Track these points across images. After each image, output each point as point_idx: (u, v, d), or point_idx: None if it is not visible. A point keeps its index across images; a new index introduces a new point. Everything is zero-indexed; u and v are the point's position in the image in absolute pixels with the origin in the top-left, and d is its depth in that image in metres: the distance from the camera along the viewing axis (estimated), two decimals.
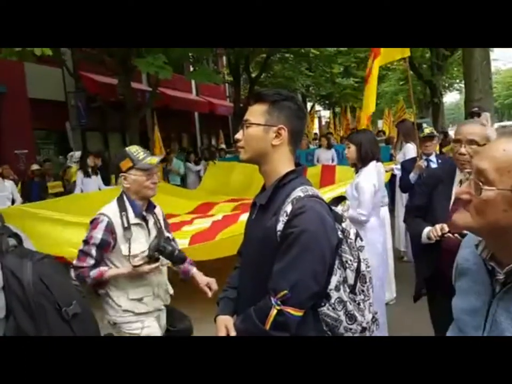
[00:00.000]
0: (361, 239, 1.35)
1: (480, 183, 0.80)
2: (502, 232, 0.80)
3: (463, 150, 1.90)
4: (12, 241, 0.98)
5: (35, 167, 6.36)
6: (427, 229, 1.92)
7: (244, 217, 3.46)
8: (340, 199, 1.46)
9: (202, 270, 5.09)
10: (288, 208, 1.21)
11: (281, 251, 1.20)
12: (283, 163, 1.30)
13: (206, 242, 3.47)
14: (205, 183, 6.43)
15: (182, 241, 3.54)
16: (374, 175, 2.80)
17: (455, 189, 1.93)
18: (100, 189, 5.75)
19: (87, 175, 5.71)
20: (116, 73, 8.34)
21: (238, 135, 1.33)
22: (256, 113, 1.29)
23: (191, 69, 8.49)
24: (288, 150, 1.31)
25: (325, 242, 1.20)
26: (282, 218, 1.21)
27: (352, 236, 1.30)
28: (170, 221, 4.13)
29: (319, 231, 1.19)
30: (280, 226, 1.21)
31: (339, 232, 1.28)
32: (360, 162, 2.85)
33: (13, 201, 5.21)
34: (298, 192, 1.23)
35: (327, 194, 3.70)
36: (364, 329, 1.28)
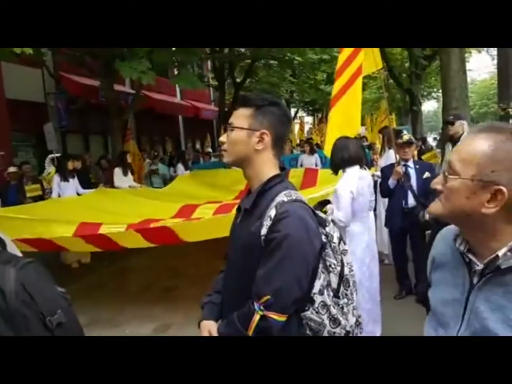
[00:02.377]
0: (345, 243, 1.36)
1: (447, 173, 0.89)
2: (470, 219, 0.88)
3: None
4: None
5: (12, 169, 6.14)
6: None
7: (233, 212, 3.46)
8: (324, 203, 1.47)
9: (188, 275, 5.07)
10: (272, 212, 1.21)
11: (265, 256, 1.20)
12: (267, 167, 1.30)
13: (197, 221, 3.50)
14: (176, 187, 6.31)
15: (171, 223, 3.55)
16: (352, 181, 2.81)
17: None
18: (78, 193, 5.63)
19: (64, 178, 5.58)
20: (99, 75, 8.23)
21: (222, 138, 1.33)
22: (241, 117, 1.30)
23: (176, 72, 8.43)
24: (271, 154, 1.31)
25: (308, 247, 1.20)
26: (266, 223, 1.21)
27: (335, 240, 1.31)
28: (153, 225, 4.10)
29: (302, 236, 1.19)
30: (264, 230, 1.21)
31: (323, 236, 1.28)
32: (333, 168, 2.91)
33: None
34: (282, 197, 1.23)
35: (307, 196, 3.74)
36: (347, 332, 1.29)
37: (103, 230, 3.49)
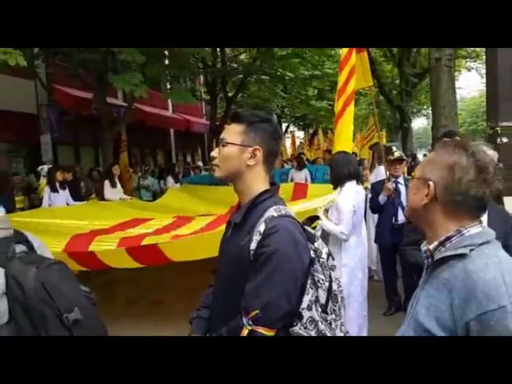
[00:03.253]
0: (333, 259, 1.38)
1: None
2: (419, 215, 1.03)
3: None
4: (21, 248, 1.00)
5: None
6: None
7: (222, 227, 3.45)
8: (313, 219, 1.49)
9: (177, 288, 5.00)
10: (262, 227, 1.23)
11: (254, 270, 1.21)
12: (257, 182, 1.32)
13: (189, 236, 3.48)
14: (167, 200, 6.30)
15: (163, 238, 3.54)
16: (352, 195, 2.89)
17: None
18: (67, 204, 5.59)
19: (54, 190, 5.55)
20: (91, 87, 8.25)
21: (214, 153, 1.35)
22: (233, 133, 1.32)
23: (168, 85, 8.51)
24: (262, 170, 1.34)
25: (297, 262, 1.22)
26: (256, 238, 1.22)
27: (324, 255, 1.33)
28: (142, 229, 4.06)
29: (291, 251, 1.20)
30: (253, 245, 1.22)
31: (311, 252, 1.30)
32: (333, 183, 2.96)
33: None
34: (272, 212, 1.25)
35: (297, 206, 3.78)
36: None
37: (93, 247, 3.44)
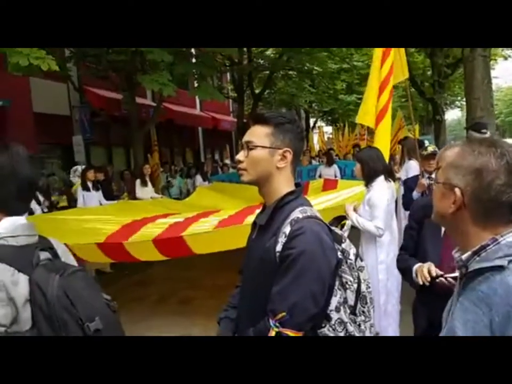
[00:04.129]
0: (361, 259, 1.34)
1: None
2: (447, 222, 0.96)
3: None
4: (45, 255, 1.01)
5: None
6: (416, 266, 1.69)
7: (250, 217, 3.47)
8: (341, 218, 1.46)
9: (206, 286, 5.07)
10: (287, 229, 1.21)
11: (280, 272, 1.20)
12: (284, 184, 1.31)
13: (232, 226, 3.47)
14: (197, 198, 6.38)
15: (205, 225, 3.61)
16: (385, 190, 2.84)
17: None
18: (101, 204, 5.76)
19: (86, 189, 5.73)
20: (121, 88, 8.45)
21: (240, 157, 1.32)
22: (260, 135, 1.29)
23: (195, 84, 8.62)
24: (290, 171, 1.32)
25: (324, 263, 1.19)
26: (281, 239, 1.21)
27: (352, 257, 1.30)
28: (171, 220, 4.12)
29: (317, 252, 1.18)
30: (279, 247, 1.21)
31: (338, 253, 1.27)
32: (365, 179, 2.91)
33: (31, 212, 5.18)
34: (297, 213, 1.23)
35: (324, 197, 3.73)
36: None
37: (130, 240, 3.57)
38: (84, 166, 7.37)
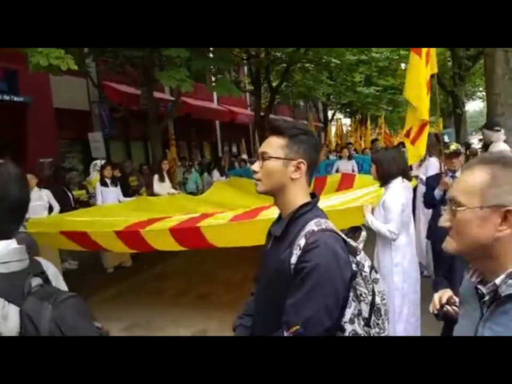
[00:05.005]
0: (376, 272, 1.34)
1: (454, 207, 0.91)
2: (481, 249, 0.88)
3: None
4: (36, 281, 0.94)
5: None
6: (437, 294, 1.58)
7: (265, 212, 3.51)
8: (355, 230, 1.46)
9: (223, 281, 5.11)
10: (302, 241, 1.22)
11: (294, 285, 1.21)
12: (299, 195, 1.31)
13: (239, 221, 3.52)
14: (214, 193, 6.42)
15: (211, 222, 3.65)
16: (400, 193, 2.81)
17: None
18: (119, 201, 5.86)
19: (105, 185, 5.82)
20: (139, 84, 8.52)
21: (255, 167, 1.33)
22: (275, 146, 1.30)
23: (213, 78, 8.60)
24: (305, 181, 1.33)
25: (338, 277, 1.20)
26: (296, 252, 1.22)
27: (366, 269, 1.29)
28: (187, 216, 4.19)
29: (332, 266, 1.18)
30: (293, 259, 1.22)
31: (353, 265, 1.27)
32: (380, 181, 2.87)
33: (50, 209, 5.31)
34: (312, 226, 1.24)
35: (338, 197, 3.72)
36: None
37: (145, 229, 3.65)
38: (103, 161, 7.52)
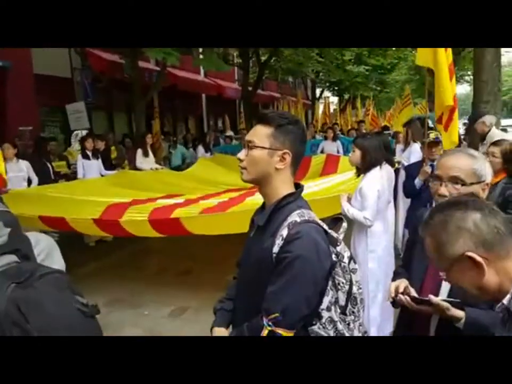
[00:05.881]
0: (355, 262, 1.38)
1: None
2: (483, 287, 0.92)
3: (443, 190, 1.46)
4: (8, 259, 0.89)
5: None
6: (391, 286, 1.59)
7: (250, 198, 3.53)
8: (337, 220, 1.49)
9: (204, 259, 5.13)
10: (284, 232, 1.24)
11: (275, 274, 1.23)
12: (283, 185, 1.33)
13: (217, 213, 3.53)
14: (198, 170, 6.38)
15: (192, 213, 3.64)
16: (377, 180, 2.84)
17: None
18: (101, 174, 5.76)
19: (86, 158, 5.69)
20: (123, 52, 8.24)
21: (241, 155, 1.34)
22: (261, 135, 1.30)
23: (200, 50, 8.37)
24: (289, 172, 1.34)
25: (318, 268, 1.23)
26: (278, 242, 1.24)
27: (345, 260, 1.33)
28: (171, 201, 4.18)
29: (312, 257, 1.22)
30: (276, 249, 1.24)
31: (333, 256, 1.30)
32: (363, 168, 2.89)
33: (29, 181, 5.18)
34: (295, 217, 1.25)
35: (322, 180, 3.76)
36: None
37: (125, 218, 3.60)
38: (85, 132, 7.33)
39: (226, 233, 3.30)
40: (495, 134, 4.35)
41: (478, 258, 0.89)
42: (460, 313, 1.36)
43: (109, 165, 6.10)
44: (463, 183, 1.44)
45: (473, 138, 5.17)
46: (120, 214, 3.68)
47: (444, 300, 1.38)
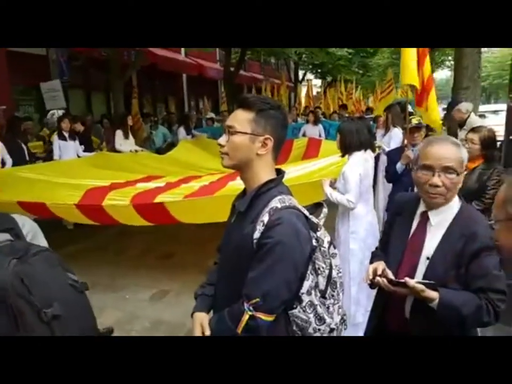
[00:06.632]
0: (334, 247, 1.39)
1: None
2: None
3: (437, 180, 1.48)
4: (3, 237, 0.94)
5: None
6: (371, 265, 1.62)
7: (232, 183, 3.49)
8: (318, 205, 1.50)
9: (187, 241, 5.07)
10: (265, 218, 1.24)
11: (256, 259, 1.24)
12: (264, 171, 1.32)
13: (195, 198, 3.48)
14: (179, 153, 6.27)
15: (175, 197, 3.58)
16: (359, 164, 2.88)
17: (415, 224, 1.60)
18: (78, 156, 5.61)
19: (63, 138, 5.52)
20: None
21: (221, 141, 1.32)
22: (242, 120, 1.28)
23: None
24: (271, 158, 1.33)
25: (298, 253, 1.24)
26: (259, 228, 1.24)
27: (325, 244, 1.34)
28: (153, 183, 4.11)
29: (293, 243, 1.22)
30: (256, 234, 1.24)
31: (313, 241, 1.31)
32: (342, 152, 2.93)
33: (3, 163, 4.99)
34: (276, 203, 1.25)
35: (305, 165, 3.77)
36: (332, 330, 1.35)
37: (106, 202, 3.52)
38: (61, 112, 7.10)
39: (214, 221, 3.28)
40: (475, 120, 4.43)
41: None
42: (434, 295, 1.41)
43: (89, 147, 5.94)
44: (456, 173, 1.48)
45: (452, 124, 5.26)
46: (100, 198, 3.60)
47: (419, 282, 1.43)
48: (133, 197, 3.57)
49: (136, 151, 6.13)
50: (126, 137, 6.34)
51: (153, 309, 3.62)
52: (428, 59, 3.49)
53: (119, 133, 6.33)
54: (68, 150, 5.50)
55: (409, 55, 3.38)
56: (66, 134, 5.53)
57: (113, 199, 3.59)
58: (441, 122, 4.10)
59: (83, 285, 0.99)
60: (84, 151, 5.74)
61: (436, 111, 3.66)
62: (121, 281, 4.11)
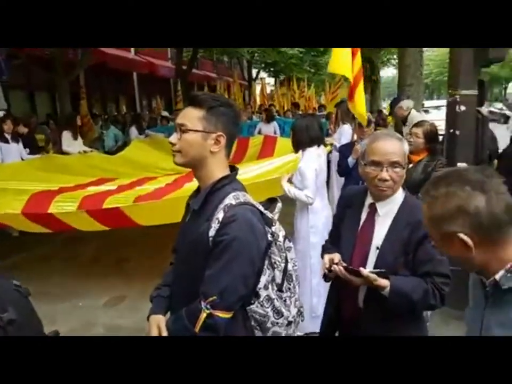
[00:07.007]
0: (290, 240, 1.42)
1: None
2: (472, 260, 0.93)
3: (385, 175, 1.54)
4: None
5: None
6: (325, 258, 1.65)
7: (188, 184, 3.42)
8: (272, 201, 1.51)
9: (142, 246, 4.94)
10: (220, 215, 1.24)
11: (212, 257, 1.24)
12: (218, 168, 1.32)
13: (151, 201, 3.37)
14: (132, 153, 6.09)
15: (127, 200, 3.44)
16: (313, 159, 2.94)
17: (364, 216, 1.66)
18: (22, 159, 5.30)
19: (4, 141, 5.20)
20: None
21: (173, 139, 1.30)
22: (193, 118, 1.27)
23: None
24: (224, 155, 1.33)
25: (254, 249, 1.25)
26: (214, 225, 1.24)
27: (281, 239, 1.36)
28: (105, 186, 3.94)
29: (248, 239, 1.23)
30: (212, 232, 1.24)
31: (269, 235, 1.33)
32: (295, 148, 2.99)
33: None
34: (230, 199, 1.26)
35: (263, 164, 3.80)
36: (289, 322, 1.37)
37: (52, 209, 3.32)
38: (2, 113, 6.66)
39: (173, 222, 3.21)
40: (416, 116, 4.66)
41: (470, 243, 0.89)
42: (385, 283, 1.48)
43: (34, 150, 5.62)
44: (402, 166, 1.56)
45: (397, 121, 5.52)
46: (46, 204, 3.37)
47: (372, 272, 1.49)
48: (81, 200, 3.41)
49: (85, 151, 5.88)
50: (75, 138, 6.07)
51: (108, 316, 3.50)
52: (359, 54, 3.62)
53: (66, 134, 6.04)
54: (10, 152, 5.18)
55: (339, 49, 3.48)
56: (8, 136, 5.20)
57: (61, 203, 3.39)
58: (390, 118, 4.28)
59: (25, 290, 0.99)
60: (29, 153, 5.43)
61: (362, 105, 3.80)
62: (73, 290, 3.93)
